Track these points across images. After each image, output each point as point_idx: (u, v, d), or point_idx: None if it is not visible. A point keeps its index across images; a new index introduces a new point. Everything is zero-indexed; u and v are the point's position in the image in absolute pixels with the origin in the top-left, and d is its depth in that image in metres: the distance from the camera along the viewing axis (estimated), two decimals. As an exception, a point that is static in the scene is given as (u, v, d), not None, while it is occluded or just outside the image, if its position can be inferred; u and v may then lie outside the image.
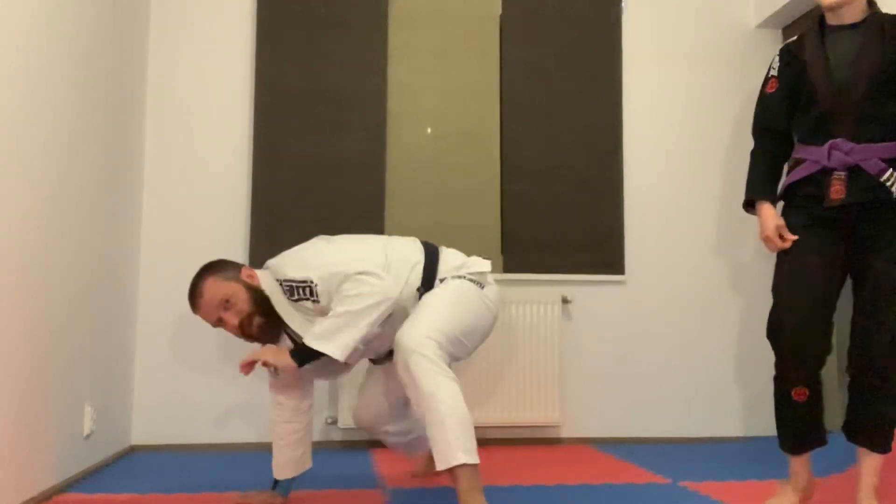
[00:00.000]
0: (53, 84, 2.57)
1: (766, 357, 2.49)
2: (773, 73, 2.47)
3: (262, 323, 2.30)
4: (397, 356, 2.21)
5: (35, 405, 2.45)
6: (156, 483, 2.79)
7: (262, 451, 2.99)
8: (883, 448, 2.30)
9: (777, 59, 2.47)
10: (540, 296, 3.73)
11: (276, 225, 3.63)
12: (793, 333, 2.29)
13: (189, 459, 3.28)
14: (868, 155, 2.25)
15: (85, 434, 2.89)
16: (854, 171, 2.26)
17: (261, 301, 2.30)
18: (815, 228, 2.33)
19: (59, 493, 2.61)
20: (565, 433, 3.77)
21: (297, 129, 3.70)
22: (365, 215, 3.68)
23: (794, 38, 2.48)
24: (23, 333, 2.35)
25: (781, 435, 2.40)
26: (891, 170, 2.24)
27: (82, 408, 2.87)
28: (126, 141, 3.37)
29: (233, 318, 2.28)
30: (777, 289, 2.39)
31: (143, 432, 3.53)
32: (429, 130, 3.85)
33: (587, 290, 3.85)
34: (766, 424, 3.46)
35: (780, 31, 4.13)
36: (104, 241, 3.09)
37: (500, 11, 3.92)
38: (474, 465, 2.12)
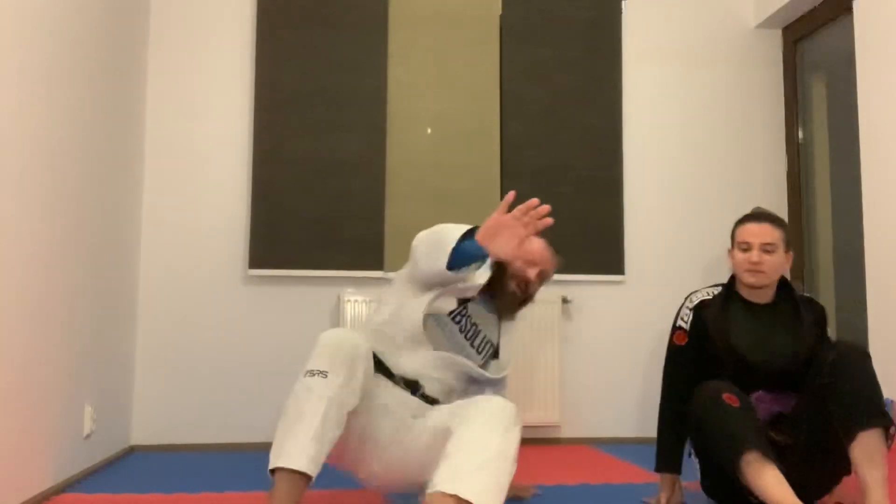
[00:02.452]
0: (53, 84, 2.56)
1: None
2: (683, 325, 2.42)
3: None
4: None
5: (35, 405, 2.45)
6: (156, 483, 2.79)
7: (262, 451, 2.98)
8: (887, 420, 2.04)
9: (689, 313, 2.41)
10: (540, 296, 3.71)
11: (276, 225, 3.63)
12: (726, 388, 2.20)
13: (189, 459, 3.28)
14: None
15: (85, 434, 2.89)
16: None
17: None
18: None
19: (59, 493, 2.61)
20: (565, 433, 3.77)
21: (297, 129, 3.70)
22: (365, 215, 3.68)
23: (707, 296, 2.42)
24: (23, 333, 2.35)
25: (721, 443, 2.10)
26: None
27: (82, 408, 2.87)
28: (126, 141, 3.37)
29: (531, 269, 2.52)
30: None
31: (143, 432, 3.53)
32: (429, 130, 3.85)
33: (587, 290, 3.86)
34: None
35: (779, 31, 4.14)
36: (104, 241, 3.09)
37: (500, 11, 3.92)
38: None
